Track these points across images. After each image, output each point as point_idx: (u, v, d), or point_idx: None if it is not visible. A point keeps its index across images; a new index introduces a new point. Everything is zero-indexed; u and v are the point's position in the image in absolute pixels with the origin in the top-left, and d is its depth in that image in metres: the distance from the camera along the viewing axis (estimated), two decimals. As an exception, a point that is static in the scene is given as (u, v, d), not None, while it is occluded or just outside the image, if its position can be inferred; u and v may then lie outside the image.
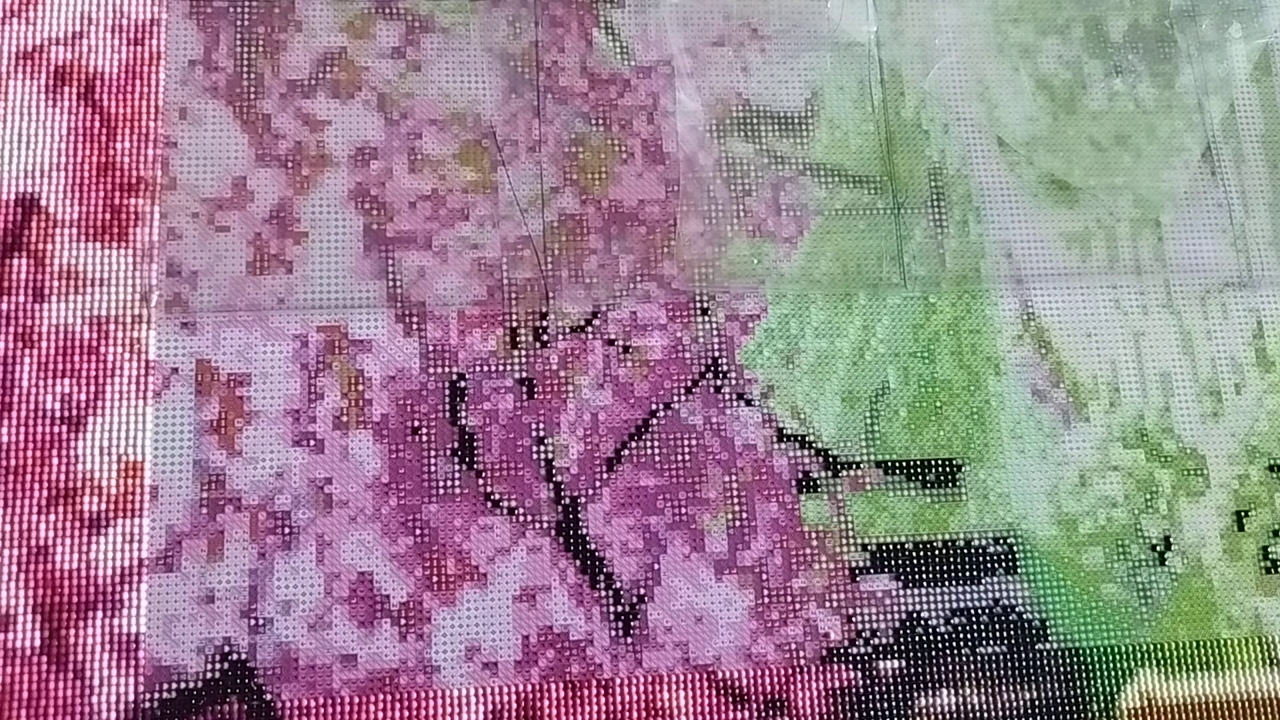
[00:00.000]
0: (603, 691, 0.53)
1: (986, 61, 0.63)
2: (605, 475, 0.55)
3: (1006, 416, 0.58)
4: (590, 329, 0.57)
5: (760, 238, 0.59)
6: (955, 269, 0.60)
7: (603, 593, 0.54)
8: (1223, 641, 0.56)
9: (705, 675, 0.53)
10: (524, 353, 0.56)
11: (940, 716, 0.54)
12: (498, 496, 0.55)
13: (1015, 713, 0.54)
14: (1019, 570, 0.56)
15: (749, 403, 0.57)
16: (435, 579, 0.53)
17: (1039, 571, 0.56)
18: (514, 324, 0.57)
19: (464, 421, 0.55)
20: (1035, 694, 0.54)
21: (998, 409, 0.58)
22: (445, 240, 0.57)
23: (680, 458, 0.56)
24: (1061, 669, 0.55)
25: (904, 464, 0.57)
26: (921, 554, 0.56)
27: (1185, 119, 0.62)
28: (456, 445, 0.55)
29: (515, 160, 0.59)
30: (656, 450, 0.56)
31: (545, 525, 0.54)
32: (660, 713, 0.53)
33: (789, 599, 0.54)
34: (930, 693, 0.54)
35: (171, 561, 0.52)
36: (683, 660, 0.53)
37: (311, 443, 0.54)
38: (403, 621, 0.53)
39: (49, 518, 0.52)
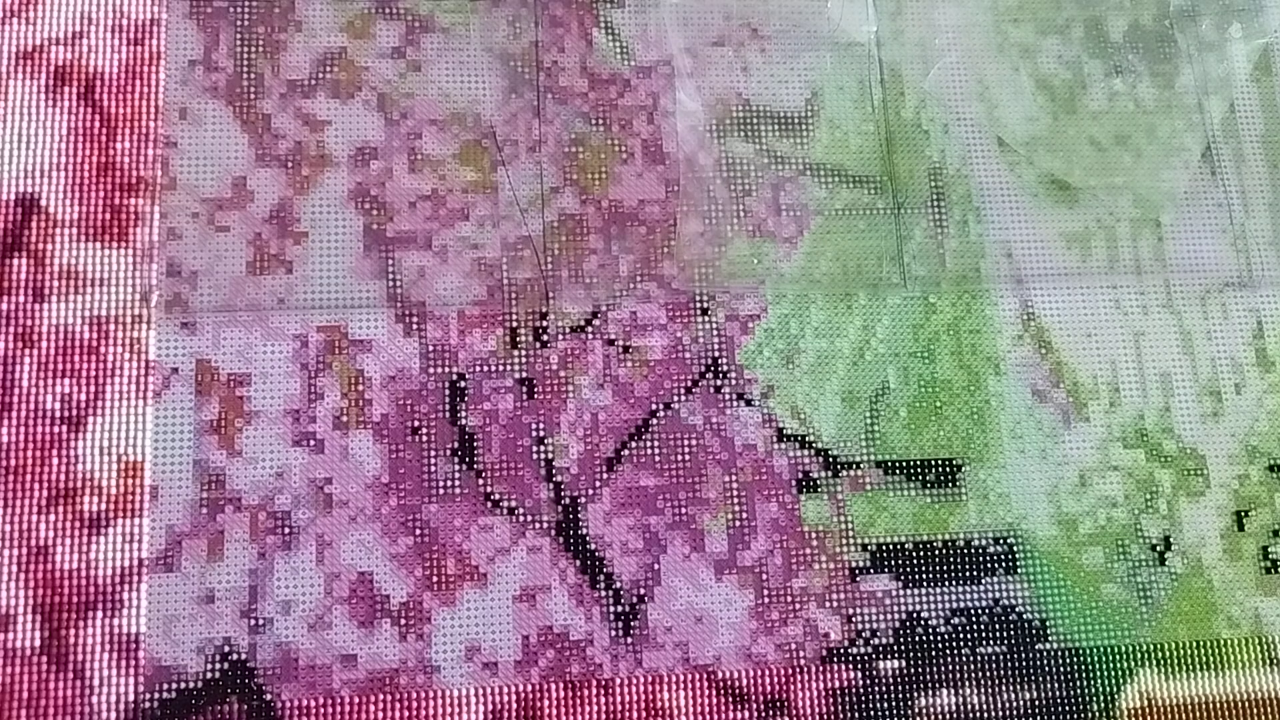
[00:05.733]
0: (603, 691, 0.53)
1: (986, 61, 0.63)
2: (605, 475, 0.55)
3: (1006, 416, 0.58)
4: (590, 329, 0.57)
5: (760, 238, 0.59)
6: (955, 269, 0.60)
7: (603, 593, 0.54)
8: (1223, 641, 0.56)
9: (705, 675, 0.53)
10: (524, 353, 0.56)
11: (940, 716, 0.54)
12: (498, 496, 0.55)
13: (1015, 713, 0.54)
14: (1019, 570, 0.56)
15: (749, 403, 0.57)
16: (435, 579, 0.53)
17: (1039, 571, 0.56)
18: (514, 324, 0.57)
19: (464, 421, 0.55)
20: (1035, 694, 0.54)
21: (998, 409, 0.58)
22: (445, 240, 0.57)
23: (680, 458, 0.56)
24: (1061, 669, 0.55)
25: (904, 464, 0.57)
26: (921, 554, 0.56)
27: (1185, 119, 0.62)
28: (456, 445, 0.55)
29: (515, 160, 0.59)
30: (656, 450, 0.56)
31: (545, 525, 0.54)
32: (660, 713, 0.53)
33: (789, 599, 0.54)
34: (930, 693, 0.54)
35: (171, 561, 0.52)
36: (683, 660, 0.53)
37: (311, 443, 0.54)
38: (403, 621, 0.53)
39: (49, 518, 0.52)
